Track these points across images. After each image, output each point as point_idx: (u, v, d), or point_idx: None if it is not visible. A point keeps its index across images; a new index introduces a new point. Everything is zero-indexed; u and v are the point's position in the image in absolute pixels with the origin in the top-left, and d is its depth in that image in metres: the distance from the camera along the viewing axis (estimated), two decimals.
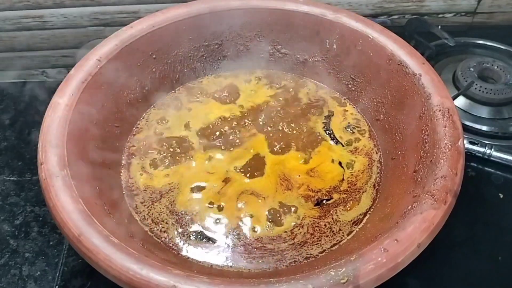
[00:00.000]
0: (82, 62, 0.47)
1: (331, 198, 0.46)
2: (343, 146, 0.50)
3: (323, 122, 0.52)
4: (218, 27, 0.55)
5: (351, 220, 0.44)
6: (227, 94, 0.56)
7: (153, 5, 0.68)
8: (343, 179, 0.47)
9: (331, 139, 0.51)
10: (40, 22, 0.69)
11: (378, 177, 0.48)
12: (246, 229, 0.43)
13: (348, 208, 0.45)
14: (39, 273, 0.45)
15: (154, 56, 0.53)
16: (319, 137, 0.51)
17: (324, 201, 0.45)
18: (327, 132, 0.51)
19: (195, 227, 0.43)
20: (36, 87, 0.52)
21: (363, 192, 0.46)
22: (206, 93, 0.56)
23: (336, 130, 0.52)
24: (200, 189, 0.46)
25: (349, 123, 0.53)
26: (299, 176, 0.47)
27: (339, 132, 0.52)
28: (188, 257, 0.41)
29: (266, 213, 0.44)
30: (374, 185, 0.47)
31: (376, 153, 0.50)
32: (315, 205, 0.45)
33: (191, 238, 0.43)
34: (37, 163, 0.39)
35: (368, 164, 0.49)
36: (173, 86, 0.56)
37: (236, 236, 0.43)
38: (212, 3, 0.54)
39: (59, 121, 0.41)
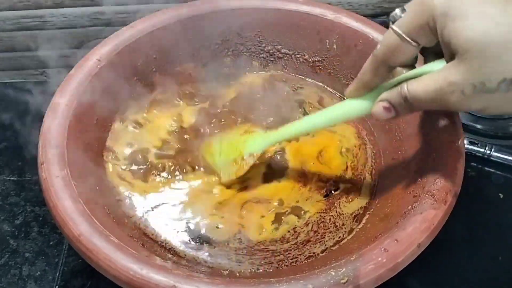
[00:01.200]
0: (82, 62, 0.47)
1: (338, 189, 0.46)
2: None
3: None
4: (218, 27, 0.55)
5: (352, 213, 0.44)
6: (226, 94, 0.56)
7: (153, 5, 0.68)
8: (347, 167, 0.48)
9: None
10: (40, 22, 0.69)
11: (372, 160, 0.48)
12: (248, 230, 0.43)
13: (350, 200, 0.45)
14: (39, 273, 0.45)
15: (154, 56, 0.53)
16: None
17: (332, 192, 0.46)
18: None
19: (196, 228, 0.43)
20: (36, 87, 0.52)
21: (363, 179, 0.47)
22: (206, 92, 0.56)
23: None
24: (200, 189, 0.46)
25: None
26: (313, 163, 0.48)
27: None
28: (188, 257, 0.41)
29: (271, 214, 0.44)
30: (371, 171, 0.47)
31: (366, 135, 0.51)
32: (324, 196, 0.45)
33: (191, 238, 0.42)
34: (37, 163, 0.39)
35: (361, 145, 0.49)
36: (173, 86, 0.56)
37: (238, 239, 0.42)
38: (212, 3, 0.54)
39: (59, 121, 0.41)
